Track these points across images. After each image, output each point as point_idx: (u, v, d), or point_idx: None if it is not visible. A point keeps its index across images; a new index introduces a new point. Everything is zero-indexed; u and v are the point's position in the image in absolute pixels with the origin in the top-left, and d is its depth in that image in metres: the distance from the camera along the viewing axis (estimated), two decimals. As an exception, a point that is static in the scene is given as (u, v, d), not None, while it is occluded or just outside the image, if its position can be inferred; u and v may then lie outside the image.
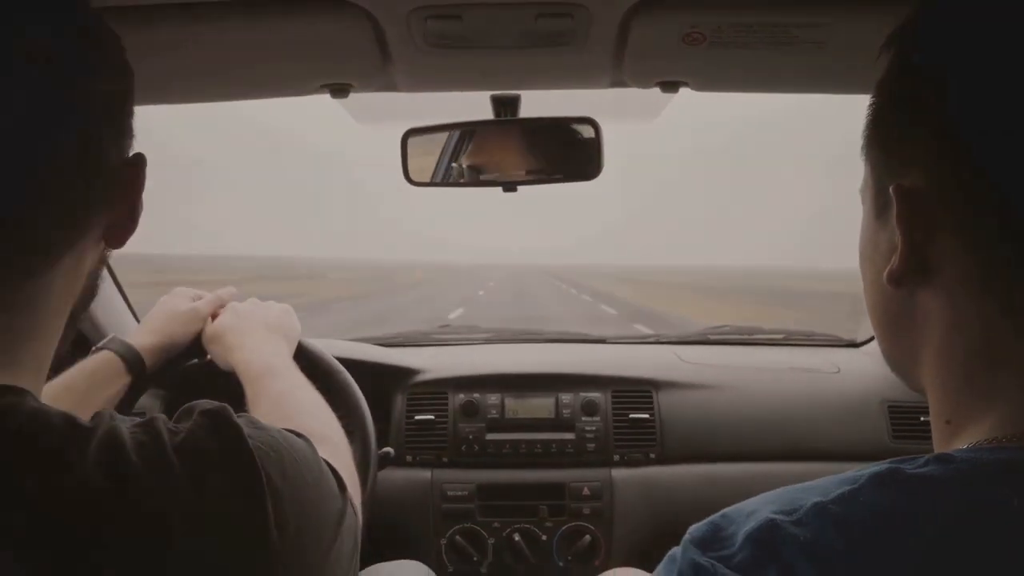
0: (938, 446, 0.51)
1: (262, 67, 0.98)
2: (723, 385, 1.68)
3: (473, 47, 0.91)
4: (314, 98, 1.07)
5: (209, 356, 1.17)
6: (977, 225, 0.46)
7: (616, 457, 1.60)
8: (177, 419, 0.54)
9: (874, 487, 0.43)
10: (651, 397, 1.65)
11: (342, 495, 0.61)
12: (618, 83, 1.05)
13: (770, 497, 0.46)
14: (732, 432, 1.62)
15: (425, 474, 1.59)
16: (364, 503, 0.88)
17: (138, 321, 1.60)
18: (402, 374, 1.68)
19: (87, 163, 0.53)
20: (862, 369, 1.74)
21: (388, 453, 1.35)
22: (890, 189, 0.49)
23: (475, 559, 1.55)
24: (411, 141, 1.22)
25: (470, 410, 1.61)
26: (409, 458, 1.60)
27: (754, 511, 0.45)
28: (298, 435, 0.59)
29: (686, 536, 0.47)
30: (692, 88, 1.04)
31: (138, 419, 0.52)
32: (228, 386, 1.04)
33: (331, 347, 1.33)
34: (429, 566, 1.35)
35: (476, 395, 1.63)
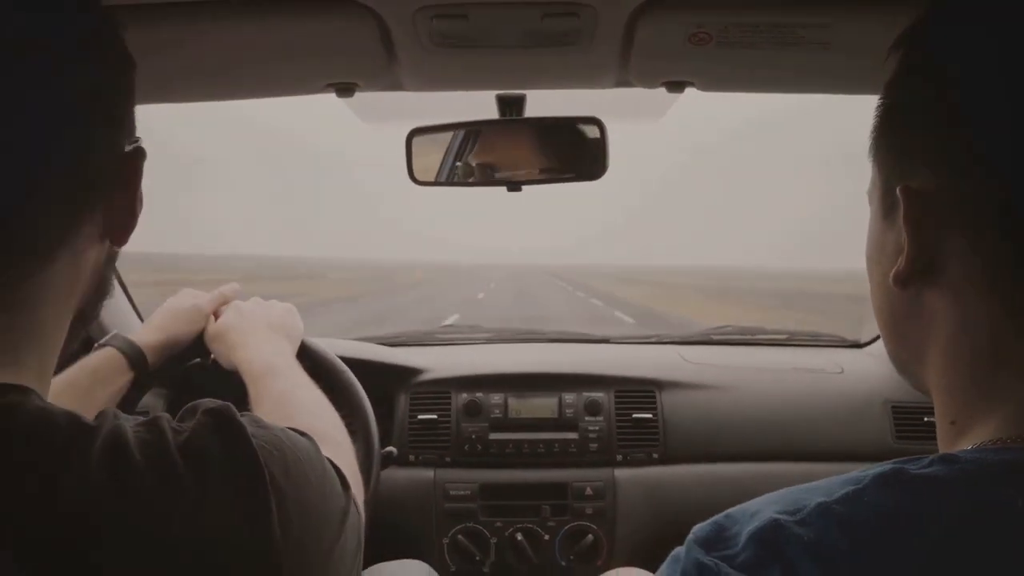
0: (943, 446, 0.50)
1: (267, 66, 0.98)
2: (726, 385, 1.68)
3: (479, 46, 0.91)
4: (315, 98, 1.07)
5: (212, 355, 1.18)
6: (984, 226, 0.46)
7: (619, 457, 1.60)
8: (181, 418, 0.54)
9: (878, 487, 0.43)
10: (654, 397, 1.65)
11: (345, 494, 0.61)
12: (624, 83, 1.05)
13: (774, 497, 0.46)
14: (735, 432, 1.62)
15: (428, 473, 1.59)
16: (367, 502, 0.88)
17: (142, 320, 1.60)
18: (405, 373, 1.68)
19: (85, 160, 0.52)
20: (866, 370, 1.74)
21: (391, 452, 1.35)
22: (897, 190, 0.50)
23: (477, 559, 1.55)
24: (416, 140, 1.22)
25: (473, 410, 1.61)
26: (412, 457, 1.60)
27: (758, 511, 0.45)
28: (301, 434, 0.59)
29: (690, 536, 0.47)
30: (698, 88, 1.03)
31: (142, 418, 0.52)
32: (231, 385, 1.04)
33: (334, 346, 1.33)
34: (432, 565, 1.35)
35: (479, 395, 1.63)
